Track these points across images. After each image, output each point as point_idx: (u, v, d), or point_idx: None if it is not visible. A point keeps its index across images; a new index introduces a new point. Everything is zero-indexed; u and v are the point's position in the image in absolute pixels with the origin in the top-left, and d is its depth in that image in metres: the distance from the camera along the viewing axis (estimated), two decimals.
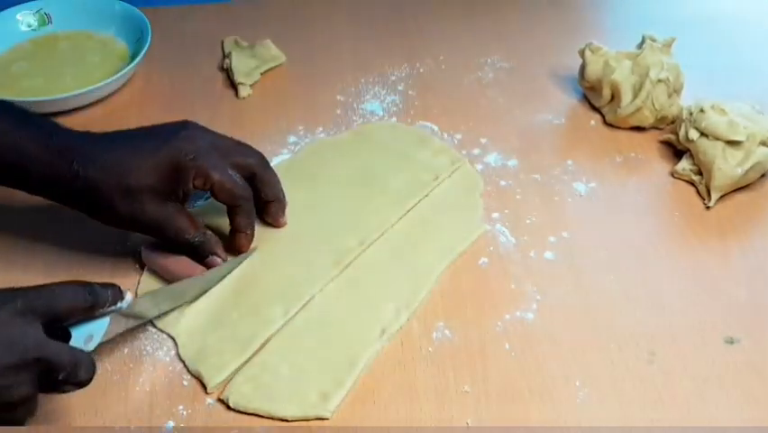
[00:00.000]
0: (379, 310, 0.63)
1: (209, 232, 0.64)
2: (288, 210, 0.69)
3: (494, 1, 1.00)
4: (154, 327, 0.62)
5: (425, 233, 0.70)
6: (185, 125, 0.63)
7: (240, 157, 0.64)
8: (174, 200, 0.62)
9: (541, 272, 0.67)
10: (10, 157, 0.59)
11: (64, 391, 0.52)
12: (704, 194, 0.73)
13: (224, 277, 0.64)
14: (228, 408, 0.57)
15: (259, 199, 0.66)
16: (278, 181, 0.67)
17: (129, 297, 0.56)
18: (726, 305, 0.65)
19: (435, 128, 0.80)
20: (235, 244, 0.65)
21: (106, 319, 0.55)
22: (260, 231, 0.68)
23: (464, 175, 0.75)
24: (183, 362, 0.60)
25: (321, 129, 0.80)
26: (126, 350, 0.61)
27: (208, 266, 0.63)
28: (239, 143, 0.65)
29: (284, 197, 0.68)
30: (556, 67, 0.88)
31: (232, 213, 0.64)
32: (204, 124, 0.79)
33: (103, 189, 0.59)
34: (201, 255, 0.63)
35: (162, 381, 0.59)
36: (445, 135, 0.80)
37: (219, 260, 0.63)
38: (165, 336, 0.62)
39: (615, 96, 0.80)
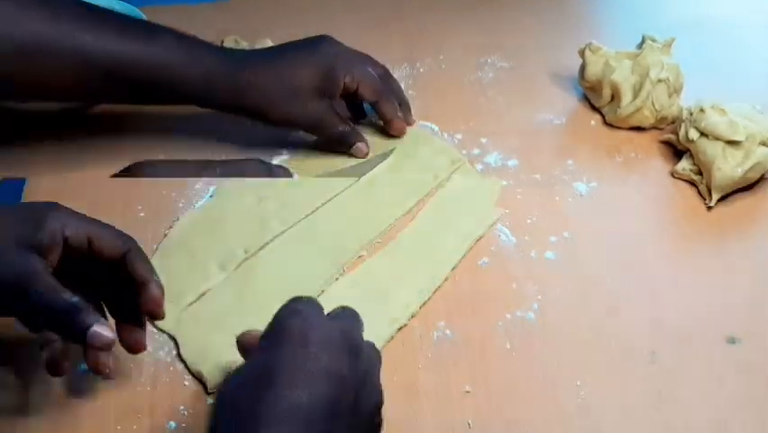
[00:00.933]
0: (389, 302, 0.63)
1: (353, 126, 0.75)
2: (289, 217, 0.70)
3: (495, 1, 1.00)
4: (155, 327, 0.62)
5: (441, 221, 0.70)
6: (323, 38, 0.74)
7: (370, 62, 0.76)
8: (328, 98, 0.72)
9: (542, 272, 0.67)
10: (193, 74, 0.69)
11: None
12: (704, 194, 0.73)
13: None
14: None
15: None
16: (400, 87, 0.79)
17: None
18: (726, 305, 0.65)
19: (435, 128, 0.80)
20: (393, 130, 0.76)
21: None
22: (260, 231, 0.68)
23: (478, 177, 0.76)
24: (184, 362, 0.60)
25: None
26: None
27: (356, 154, 0.74)
28: (367, 56, 0.76)
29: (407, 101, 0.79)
30: (556, 67, 0.88)
31: (377, 106, 0.75)
32: (205, 123, 0.80)
33: (273, 93, 0.70)
34: (349, 143, 0.74)
35: (163, 381, 0.59)
36: (445, 135, 0.80)
37: (365, 146, 0.74)
38: (166, 336, 0.62)
39: (615, 96, 0.80)
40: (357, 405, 0.44)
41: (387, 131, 0.77)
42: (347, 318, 0.49)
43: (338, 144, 0.74)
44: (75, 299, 0.49)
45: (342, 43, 0.75)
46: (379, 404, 0.47)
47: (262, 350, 0.45)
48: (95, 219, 0.55)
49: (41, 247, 0.50)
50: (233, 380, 0.44)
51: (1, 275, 0.48)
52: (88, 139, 0.79)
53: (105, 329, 0.49)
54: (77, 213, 0.54)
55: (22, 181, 0.74)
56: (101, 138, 0.80)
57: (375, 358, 0.48)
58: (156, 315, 0.55)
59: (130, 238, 0.56)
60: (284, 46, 0.75)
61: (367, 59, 0.76)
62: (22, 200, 0.71)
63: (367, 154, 0.75)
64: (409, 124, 0.78)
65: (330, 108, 0.73)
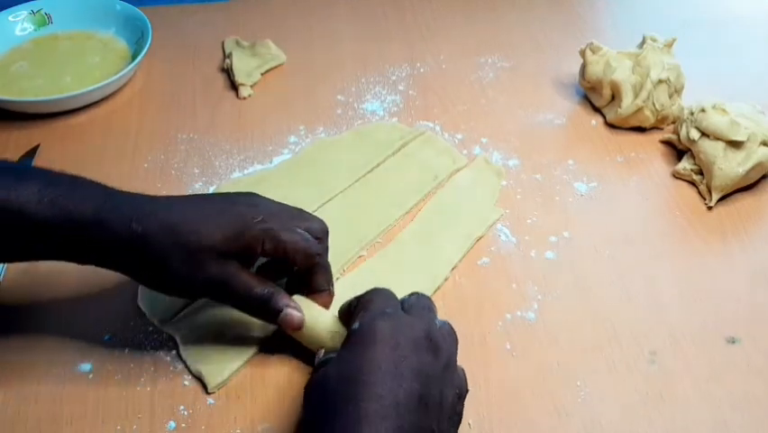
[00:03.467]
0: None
1: (275, 285, 0.59)
2: None
3: (495, 1, 1.00)
4: (155, 327, 0.62)
5: (443, 221, 0.70)
6: (247, 194, 0.60)
7: (304, 222, 0.60)
8: (235, 260, 0.57)
9: (542, 272, 0.67)
10: (58, 227, 0.53)
11: None
12: (705, 194, 0.73)
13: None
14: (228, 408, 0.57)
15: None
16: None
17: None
18: (726, 305, 0.65)
19: (436, 128, 0.81)
20: (320, 301, 0.60)
21: None
22: None
23: (485, 166, 0.76)
24: (184, 362, 0.60)
25: (322, 129, 0.80)
26: (127, 350, 0.61)
27: (285, 326, 0.57)
28: (300, 210, 0.61)
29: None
30: (557, 67, 0.88)
31: (309, 274, 0.60)
32: (204, 125, 0.81)
33: (163, 248, 0.54)
34: (273, 311, 0.57)
35: (163, 381, 0.59)
36: (446, 135, 0.80)
37: (297, 314, 0.57)
38: (166, 336, 0.62)
39: (615, 97, 0.80)
40: (442, 397, 0.48)
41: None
42: (424, 311, 0.52)
43: (258, 311, 0.58)
44: (266, 290, 0.57)
45: (270, 201, 0.60)
46: (460, 393, 0.51)
47: (355, 346, 0.49)
48: (291, 228, 0.58)
49: (239, 257, 0.56)
50: (329, 374, 0.48)
51: (207, 280, 0.55)
52: (89, 139, 0.80)
53: (293, 311, 0.57)
54: (276, 219, 0.58)
55: None
56: (101, 138, 0.80)
57: (452, 346, 0.51)
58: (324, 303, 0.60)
59: (319, 250, 0.59)
60: (195, 197, 0.62)
61: (298, 218, 0.60)
62: None
63: (301, 324, 0.57)
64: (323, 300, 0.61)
65: (239, 270, 0.56)
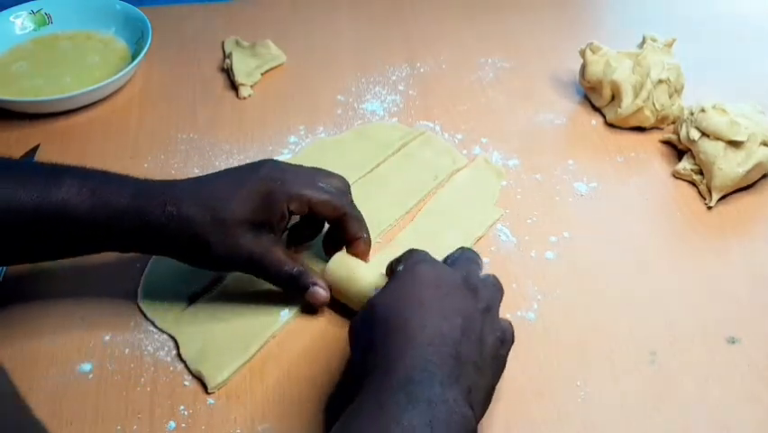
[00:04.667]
0: None
1: (306, 263, 0.63)
2: None
3: (495, 1, 1.00)
4: (155, 327, 0.62)
5: (443, 221, 0.70)
6: (264, 161, 0.62)
7: (325, 177, 0.63)
8: (268, 232, 0.60)
9: (542, 272, 0.67)
10: (100, 218, 0.56)
11: None
12: (705, 194, 0.73)
13: None
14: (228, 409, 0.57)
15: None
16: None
17: None
18: (727, 305, 0.65)
19: (436, 128, 0.80)
20: (357, 253, 0.63)
21: None
22: None
23: (485, 166, 0.76)
24: (184, 362, 0.60)
25: (322, 129, 0.80)
26: (127, 350, 0.61)
27: (312, 300, 0.61)
28: (318, 168, 0.64)
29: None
30: (557, 67, 0.88)
31: (341, 224, 0.62)
32: (204, 125, 0.81)
33: (198, 227, 0.57)
34: (302, 287, 0.61)
35: (163, 381, 0.59)
36: (446, 135, 0.80)
37: (322, 291, 0.61)
38: (166, 336, 0.62)
39: (615, 97, 0.80)
40: (482, 336, 0.51)
41: (348, 247, 0.63)
42: (465, 262, 0.56)
43: (287, 288, 0.62)
44: (296, 269, 0.60)
45: (287, 164, 0.63)
46: (503, 338, 0.53)
47: (399, 283, 0.53)
48: (313, 184, 0.61)
49: (271, 224, 0.60)
50: (375, 308, 0.52)
51: (239, 255, 0.59)
52: (89, 139, 0.80)
53: (319, 289, 0.61)
54: (296, 178, 0.61)
55: None
56: (101, 138, 0.80)
57: (494, 294, 0.55)
58: (363, 260, 0.63)
59: (345, 201, 0.62)
60: (216, 174, 0.63)
61: (318, 175, 0.63)
62: None
63: (326, 300, 0.61)
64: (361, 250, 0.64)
65: (272, 246, 0.60)
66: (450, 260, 0.57)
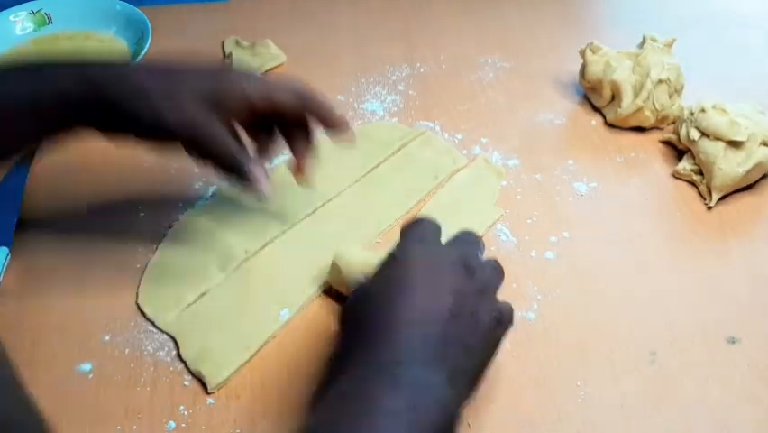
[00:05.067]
0: None
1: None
2: (289, 217, 0.70)
3: (495, 1, 1.00)
4: (155, 327, 0.62)
5: (443, 221, 0.70)
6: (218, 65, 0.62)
7: (287, 80, 0.62)
8: (221, 112, 0.58)
9: (542, 272, 0.67)
10: (50, 103, 0.56)
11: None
12: (705, 194, 0.73)
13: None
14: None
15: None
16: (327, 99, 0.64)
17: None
18: (727, 305, 0.65)
19: (436, 128, 0.81)
20: (338, 127, 0.63)
21: None
22: (260, 231, 0.68)
23: (485, 166, 0.76)
24: (184, 362, 0.60)
25: (322, 129, 0.80)
26: (127, 350, 0.61)
27: (254, 187, 0.58)
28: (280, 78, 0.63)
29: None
30: (557, 67, 0.88)
31: (309, 105, 0.62)
32: None
33: (146, 93, 0.56)
34: (242, 172, 0.58)
35: (163, 381, 0.59)
36: (446, 135, 0.80)
37: (264, 181, 0.58)
38: (166, 336, 0.62)
39: (615, 97, 0.80)
40: (476, 316, 0.50)
41: (331, 136, 0.63)
42: (463, 243, 0.55)
43: (229, 173, 0.58)
44: (244, 153, 0.58)
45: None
46: (499, 319, 0.52)
47: (391, 265, 0.52)
48: (271, 81, 0.60)
49: (226, 106, 0.58)
50: (366, 289, 0.52)
51: (178, 124, 0.56)
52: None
53: (263, 178, 0.58)
54: (254, 75, 0.60)
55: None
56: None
57: (493, 277, 0.54)
58: (344, 131, 0.63)
59: (305, 93, 0.61)
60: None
61: (283, 80, 0.62)
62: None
63: (268, 191, 0.58)
64: (345, 131, 0.64)
65: (219, 121, 0.57)
66: (450, 238, 0.56)
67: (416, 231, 0.55)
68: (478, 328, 0.50)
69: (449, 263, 0.52)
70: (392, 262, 0.53)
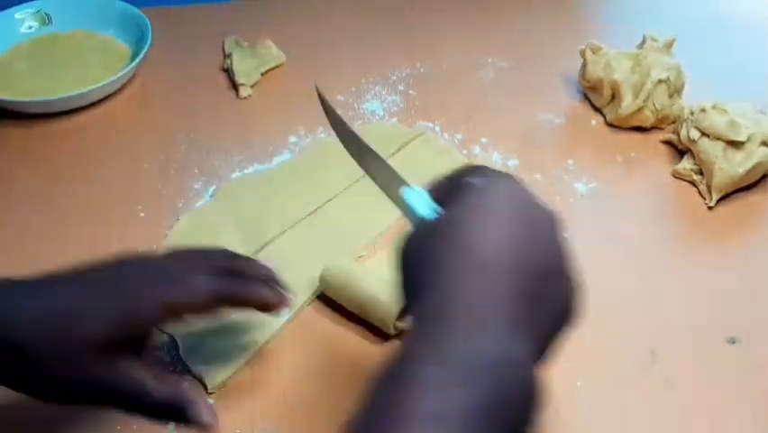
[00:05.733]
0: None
1: (185, 382, 0.54)
2: (289, 217, 0.70)
3: (495, 1, 1.00)
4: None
5: None
6: (122, 262, 0.49)
7: (199, 260, 0.52)
8: (130, 351, 0.47)
9: None
10: None
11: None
12: (705, 194, 0.73)
13: None
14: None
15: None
16: (255, 261, 0.58)
17: None
18: (727, 305, 0.65)
19: (436, 128, 0.80)
20: (274, 310, 0.54)
21: None
22: (260, 231, 0.68)
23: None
24: (184, 362, 0.60)
25: (322, 129, 0.80)
26: None
27: (202, 428, 0.48)
28: (191, 251, 0.54)
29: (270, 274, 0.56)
30: (557, 67, 0.88)
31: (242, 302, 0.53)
32: (204, 125, 0.81)
33: (33, 350, 0.44)
34: (179, 414, 0.48)
35: None
36: (446, 135, 0.80)
37: (207, 415, 0.48)
38: (166, 336, 0.61)
39: (615, 96, 0.80)
40: (566, 273, 0.42)
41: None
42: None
43: (162, 416, 0.49)
44: (167, 391, 0.47)
45: (162, 259, 0.53)
46: (575, 283, 0.42)
47: (476, 191, 0.41)
48: (181, 279, 0.49)
49: (133, 342, 0.48)
50: (454, 214, 0.41)
51: (85, 381, 0.46)
52: (89, 139, 0.80)
53: (206, 412, 0.48)
54: (165, 276, 0.49)
55: None
56: (101, 138, 0.80)
57: (551, 216, 0.43)
58: (282, 306, 0.53)
59: (214, 284, 0.50)
60: (71, 277, 0.48)
61: (197, 255, 0.53)
62: None
63: (214, 423, 0.48)
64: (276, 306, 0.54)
65: (133, 368, 0.46)
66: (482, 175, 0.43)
67: (491, 170, 0.44)
68: (547, 279, 0.40)
69: (545, 209, 0.42)
70: (481, 194, 0.41)
